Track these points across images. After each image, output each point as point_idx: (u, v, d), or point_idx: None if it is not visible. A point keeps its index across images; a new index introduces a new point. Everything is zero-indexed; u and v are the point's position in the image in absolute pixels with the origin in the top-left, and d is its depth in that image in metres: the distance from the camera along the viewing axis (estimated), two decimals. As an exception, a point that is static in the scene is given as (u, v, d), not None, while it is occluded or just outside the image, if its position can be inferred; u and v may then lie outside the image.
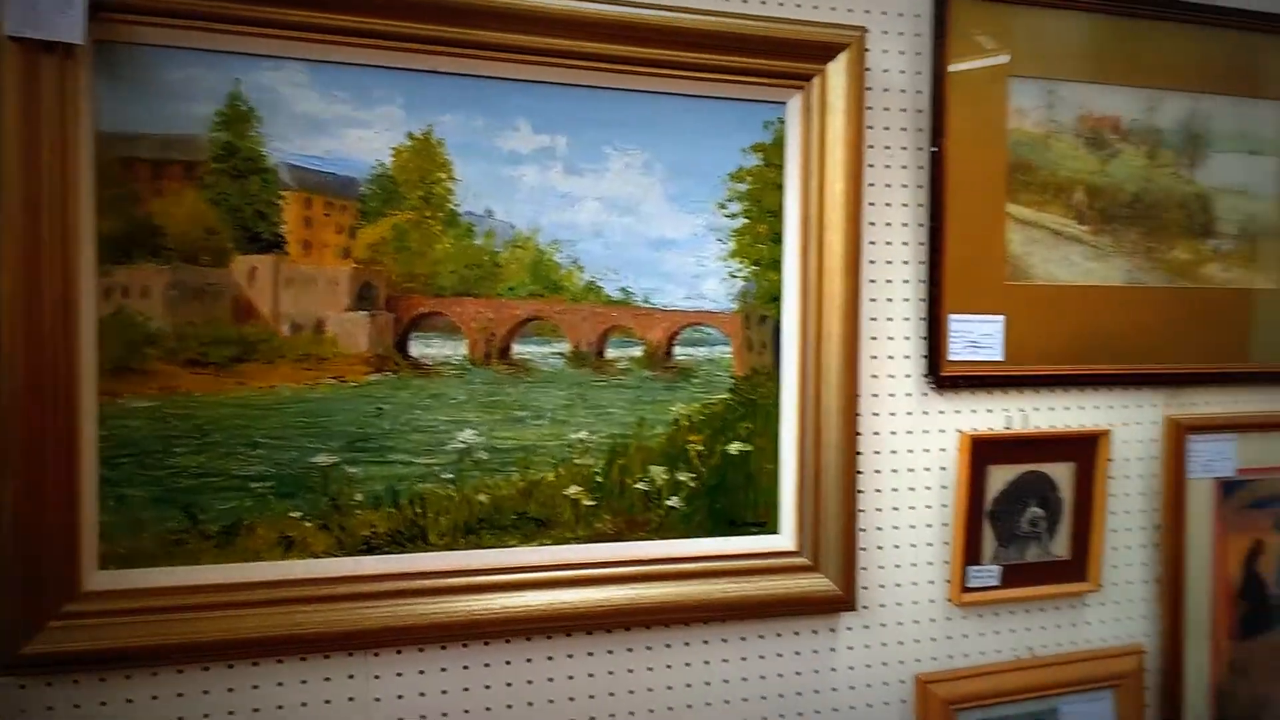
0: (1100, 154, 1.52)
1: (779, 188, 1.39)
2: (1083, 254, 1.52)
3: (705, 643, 1.40)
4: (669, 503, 1.37)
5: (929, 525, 1.51)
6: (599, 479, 1.33)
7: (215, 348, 1.16)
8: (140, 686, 1.17)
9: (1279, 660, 1.64)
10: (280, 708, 1.22)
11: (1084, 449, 1.53)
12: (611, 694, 1.36)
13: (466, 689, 1.29)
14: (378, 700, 1.26)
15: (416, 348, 1.25)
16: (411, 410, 1.24)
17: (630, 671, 1.37)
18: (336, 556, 1.22)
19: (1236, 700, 1.62)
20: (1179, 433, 1.56)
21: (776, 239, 1.39)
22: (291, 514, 1.20)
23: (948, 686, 1.47)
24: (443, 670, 1.28)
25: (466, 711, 1.29)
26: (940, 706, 1.46)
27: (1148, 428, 1.60)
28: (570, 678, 1.34)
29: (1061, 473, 1.53)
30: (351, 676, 1.25)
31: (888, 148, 1.46)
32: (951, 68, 1.44)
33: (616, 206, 1.32)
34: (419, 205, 1.24)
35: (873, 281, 1.47)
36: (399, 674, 1.27)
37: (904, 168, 1.48)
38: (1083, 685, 1.54)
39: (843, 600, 1.42)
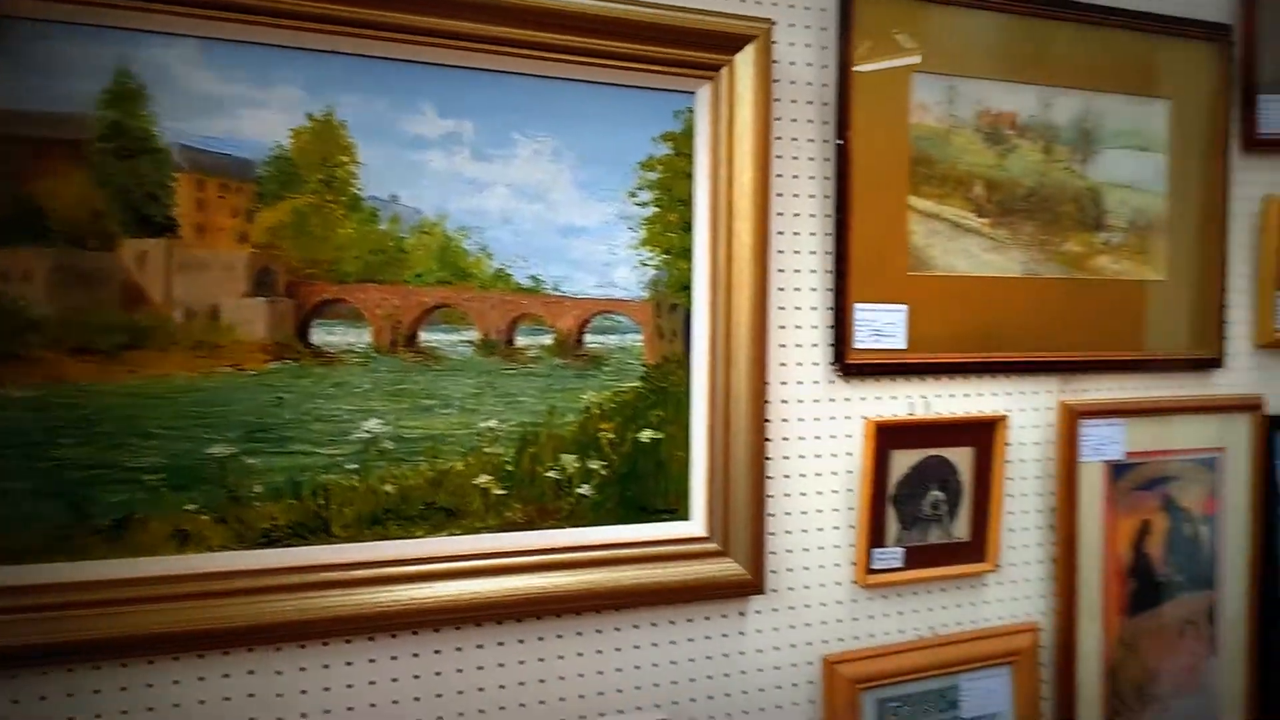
0: (998, 149, 1.58)
1: (689, 177, 1.41)
2: (981, 246, 1.59)
3: (617, 630, 1.42)
4: (580, 491, 1.38)
5: (835, 509, 1.55)
6: (509, 468, 1.33)
7: (103, 335, 1.12)
8: (28, 686, 1.14)
9: (1166, 635, 1.74)
10: (177, 706, 1.19)
11: (983, 434, 1.59)
12: (522, 683, 1.37)
13: (373, 682, 1.28)
14: (280, 696, 1.24)
15: (318, 335, 1.24)
16: (313, 399, 1.23)
17: (541, 660, 1.38)
18: (235, 550, 1.20)
19: (1127, 674, 1.71)
20: (1072, 418, 1.64)
21: (687, 228, 1.41)
22: (186, 507, 1.17)
23: (853, 666, 1.52)
24: (348, 664, 1.27)
25: (373, 705, 1.28)
26: (846, 686, 1.51)
27: (1043, 413, 1.68)
28: (480, 668, 1.34)
29: (961, 457, 1.59)
30: (252, 672, 1.23)
31: (795, 139, 1.50)
32: (856, 67, 1.48)
33: (526, 193, 1.32)
34: (320, 189, 1.22)
35: (781, 271, 1.51)
36: (302, 669, 1.25)
37: (811, 159, 1.51)
38: (982, 662, 1.60)
39: (752, 584, 1.46)
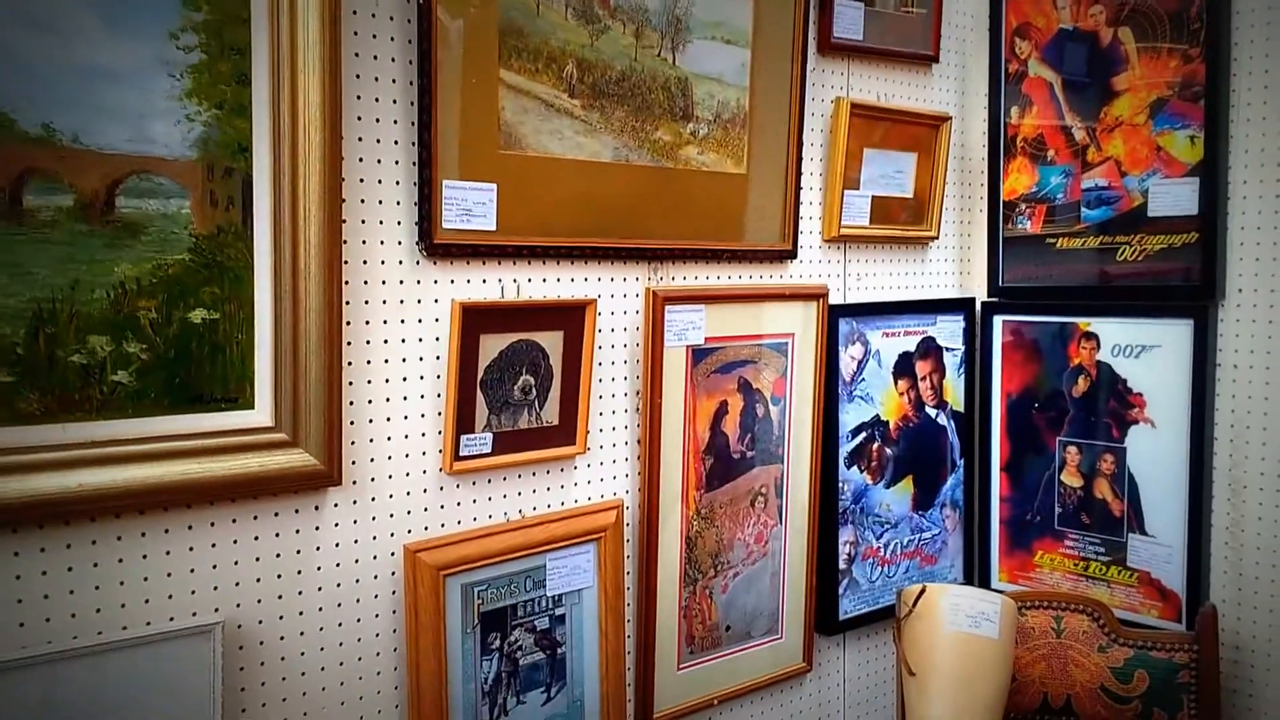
0: (590, 28, 1.65)
1: (245, 22, 1.32)
2: (574, 128, 1.66)
3: (166, 531, 1.36)
4: (116, 378, 1.28)
5: (422, 396, 1.58)
6: (19, 351, 1.21)
7: None
8: None
9: (736, 506, 1.99)
10: None
11: (572, 318, 1.69)
12: (71, 591, 1.28)
13: None
14: None
15: None
16: None
17: (96, 566, 1.29)
18: None
19: (704, 544, 1.94)
20: (658, 303, 1.79)
21: (243, 80, 1.33)
22: None
23: (436, 553, 1.58)
24: None
25: None
26: (429, 573, 1.57)
27: (631, 299, 1.82)
28: (17, 577, 1.23)
29: (551, 341, 1.68)
30: None
31: (374, -7, 1.46)
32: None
33: (31, 21, 1.17)
34: None
35: (360, 140, 1.47)
36: None
37: (392, 19, 1.48)
38: (568, 541, 1.74)
39: (325, 475, 1.45)
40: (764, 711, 2.08)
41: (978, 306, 2.35)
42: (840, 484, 2.14)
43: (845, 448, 2.15)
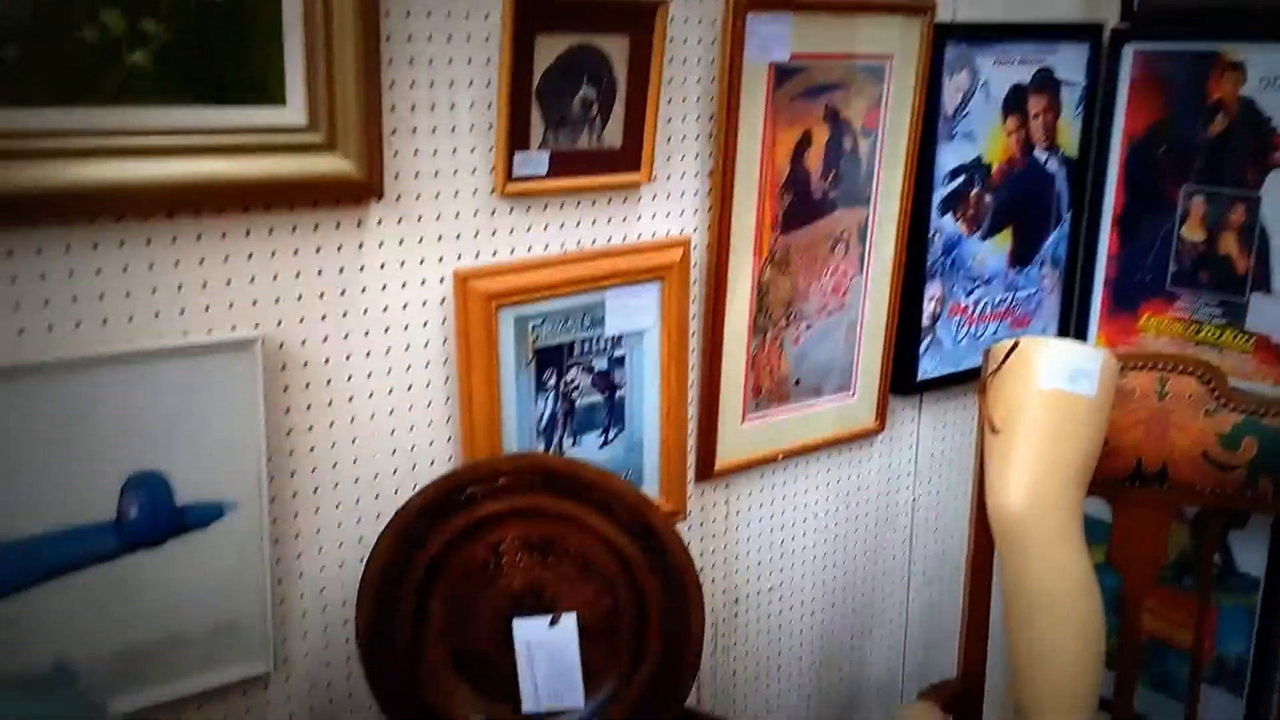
0: None
1: None
2: None
3: (223, 236, 1.32)
4: (132, 60, 1.20)
5: (471, 104, 1.49)
6: (25, 23, 1.13)
7: None
8: None
9: (814, 251, 1.91)
10: None
11: (641, 21, 1.55)
12: (102, 296, 1.26)
13: None
14: None
15: None
16: None
17: (126, 270, 1.27)
18: None
19: (777, 292, 1.87)
20: (739, 9, 1.63)
21: None
22: None
23: (488, 281, 1.53)
24: None
25: None
26: (481, 302, 1.53)
27: (708, 5, 1.67)
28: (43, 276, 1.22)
29: (616, 49, 1.56)
30: None
31: None
32: None
33: None
34: None
35: None
36: None
37: None
38: (630, 277, 1.68)
39: (366, 186, 1.39)
40: (830, 469, 2.08)
41: (1106, 34, 2.14)
42: (931, 233, 2.03)
43: (940, 192, 2.03)
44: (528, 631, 1.46)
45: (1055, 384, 1.71)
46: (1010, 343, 1.77)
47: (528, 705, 1.45)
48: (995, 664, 1.92)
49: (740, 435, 1.90)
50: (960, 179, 2.05)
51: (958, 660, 1.96)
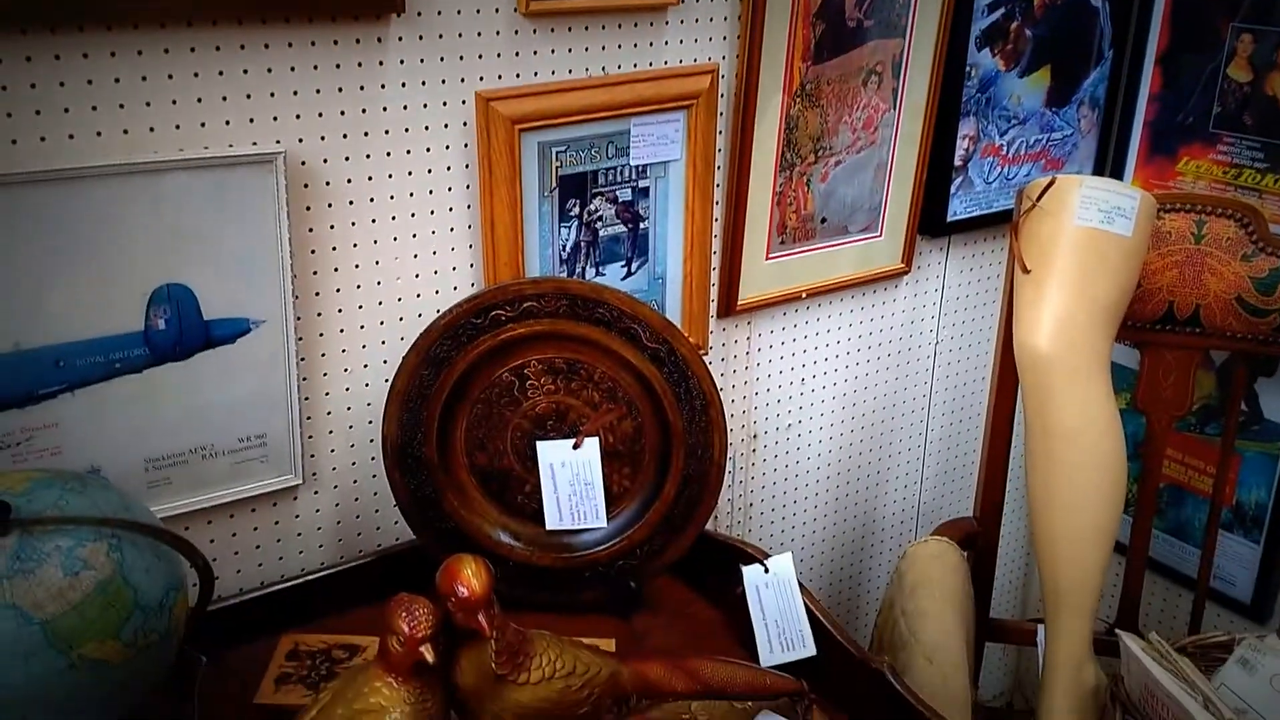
0: None
1: None
2: None
3: (242, 47, 1.32)
4: None
5: (493, -85, 1.45)
6: None
7: None
8: None
9: (846, 84, 1.87)
10: None
11: None
12: (122, 105, 1.27)
13: None
14: None
15: None
16: None
17: (145, 80, 1.27)
18: None
19: (804, 123, 1.84)
20: None
21: None
22: None
23: (511, 104, 1.52)
24: None
25: None
26: (504, 125, 1.52)
27: None
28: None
29: None
30: None
31: None
32: None
33: None
34: None
35: None
36: None
37: None
38: (655, 105, 1.66)
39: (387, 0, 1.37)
40: (853, 310, 2.09)
41: None
42: (968, 68, 1.99)
43: (978, 25, 1.97)
44: (552, 453, 1.50)
45: (1090, 222, 1.70)
46: (1046, 180, 1.75)
47: (551, 523, 1.51)
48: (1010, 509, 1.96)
49: (764, 272, 1.91)
50: (1000, 11, 1.99)
51: (975, 499, 2.01)
